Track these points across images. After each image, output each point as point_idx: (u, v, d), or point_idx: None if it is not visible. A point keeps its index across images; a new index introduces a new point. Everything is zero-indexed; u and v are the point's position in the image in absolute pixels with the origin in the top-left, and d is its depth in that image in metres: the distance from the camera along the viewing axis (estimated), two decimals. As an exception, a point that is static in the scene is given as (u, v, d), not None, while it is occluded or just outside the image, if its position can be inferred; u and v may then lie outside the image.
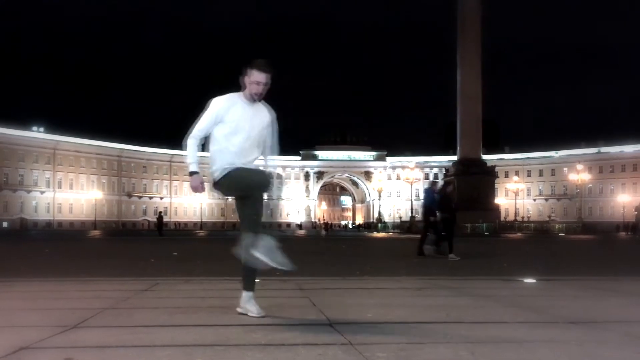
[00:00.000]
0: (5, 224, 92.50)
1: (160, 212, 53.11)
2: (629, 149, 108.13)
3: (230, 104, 4.53)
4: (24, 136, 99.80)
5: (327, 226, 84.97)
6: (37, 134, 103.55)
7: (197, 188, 4.49)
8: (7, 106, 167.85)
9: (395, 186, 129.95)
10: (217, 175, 4.51)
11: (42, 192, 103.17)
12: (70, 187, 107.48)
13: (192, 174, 4.45)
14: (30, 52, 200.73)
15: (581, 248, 24.34)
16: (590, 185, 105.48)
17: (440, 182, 16.32)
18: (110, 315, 4.60)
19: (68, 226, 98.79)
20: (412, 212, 74.16)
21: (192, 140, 4.51)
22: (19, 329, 3.99)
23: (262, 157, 4.72)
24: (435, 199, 14.97)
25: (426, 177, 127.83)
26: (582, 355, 3.27)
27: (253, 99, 4.53)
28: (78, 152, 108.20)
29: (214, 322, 4.26)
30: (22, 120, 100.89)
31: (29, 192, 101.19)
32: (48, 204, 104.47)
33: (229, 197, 4.87)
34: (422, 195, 15.40)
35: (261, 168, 4.68)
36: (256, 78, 4.47)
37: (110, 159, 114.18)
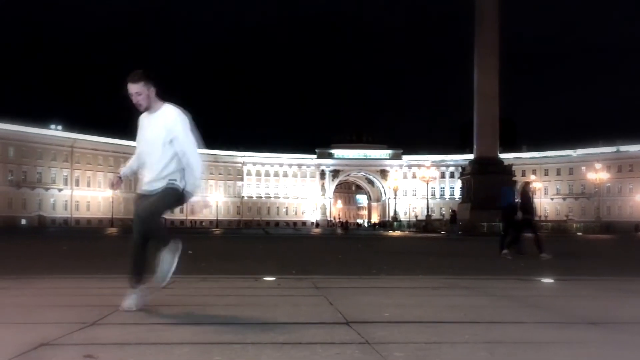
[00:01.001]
0: (23, 221, 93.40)
1: None
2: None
3: (140, 118, 4.82)
4: (42, 134, 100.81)
5: (345, 225, 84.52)
6: (55, 132, 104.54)
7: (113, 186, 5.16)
8: (26, 104, 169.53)
9: (411, 185, 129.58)
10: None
11: (59, 190, 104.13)
12: (87, 184, 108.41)
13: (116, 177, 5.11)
14: (48, 51, 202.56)
15: (599, 248, 24.12)
16: (609, 184, 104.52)
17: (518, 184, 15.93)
18: (128, 312, 4.62)
19: (85, 223, 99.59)
20: (428, 211, 73.94)
21: (135, 155, 5.02)
22: (39, 325, 4.03)
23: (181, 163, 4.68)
24: (515, 199, 14.78)
25: (442, 175, 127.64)
26: (601, 357, 3.24)
27: (145, 108, 4.71)
28: (95, 150, 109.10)
29: (231, 320, 4.27)
30: (40, 118, 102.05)
31: (47, 189, 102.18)
32: (66, 201, 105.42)
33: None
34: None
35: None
36: (129, 90, 4.66)
37: (127, 156, 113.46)
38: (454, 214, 49.20)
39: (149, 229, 4.63)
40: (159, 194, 4.64)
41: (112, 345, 3.40)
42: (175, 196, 4.69)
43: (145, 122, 4.76)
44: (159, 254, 4.62)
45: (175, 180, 4.66)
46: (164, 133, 4.61)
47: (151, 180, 4.70)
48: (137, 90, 4.61)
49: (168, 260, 4.57)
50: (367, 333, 3.74)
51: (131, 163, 4.98)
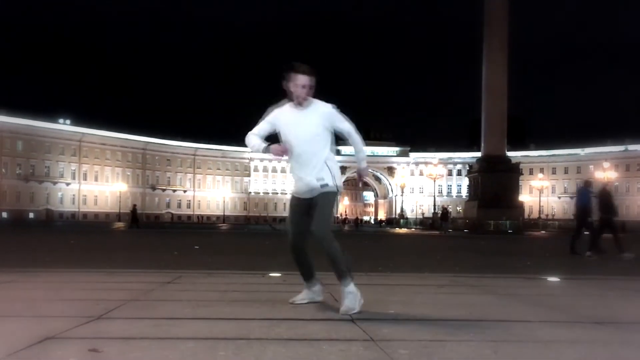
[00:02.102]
0: (31, 215, 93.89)
1: (135, 205, 53.39)
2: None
3: (279, 111, 4.64)
4: (50, 128, 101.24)
5: (356, 221, 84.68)
6: (64, 126, 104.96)
7: (279, 151, 4.56)
8: (34, 98, 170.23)
9: (418, 182, 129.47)
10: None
11: (67, 184, 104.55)
12: (95, 179, 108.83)
13: (265, 149, 4.60)
14: (57, 46, 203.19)
15: (606, 247, 23.96)
16: (617, 183, 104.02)
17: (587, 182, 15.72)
18: (134, 307, 4.64)
19: (92, 218, 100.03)
20: (434, 208, 73.86)
21: (251, 134, 4.67)
22: (44, 319, 4.04)
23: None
24: (590, 199, 14.64)
25: (449, 173, 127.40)
26: (607, 357, 3.23)
27: (299, 102, 4.57)
28: (103, 145, 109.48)
29: (236, 316, 4.27)
30: (49, 112, 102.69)
31: (54, 183, 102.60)
32: (73, 195, 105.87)
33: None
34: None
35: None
36: (301, 82, 4.50)
37: (135, 151, 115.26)
38: (444, 211, 49.10)
39: (328, 246, 4.76)
40: (322, 205, 4.65)
41: (117, 340, 3.40)
42: (334, 198, 4.73)
43: (293, 117, 4.58)
44: (342, 286, 4.67)
45: (325, 181, 4.64)
46: (321, 127, 4.58)
47: (306, 181, 4.64)
48: (308, 83, 4.51)
49: (352, 296, 4.57)
50: (372, 330, 3.74)
51: (257, 139, 4.66)
